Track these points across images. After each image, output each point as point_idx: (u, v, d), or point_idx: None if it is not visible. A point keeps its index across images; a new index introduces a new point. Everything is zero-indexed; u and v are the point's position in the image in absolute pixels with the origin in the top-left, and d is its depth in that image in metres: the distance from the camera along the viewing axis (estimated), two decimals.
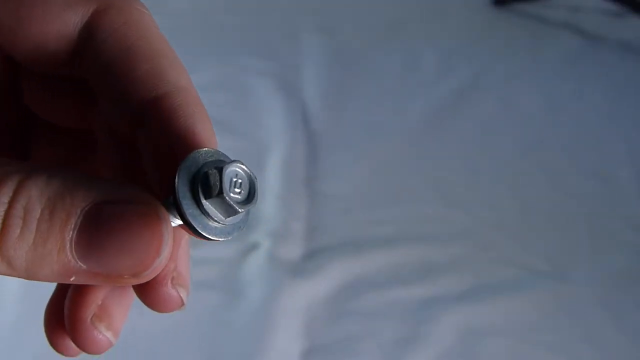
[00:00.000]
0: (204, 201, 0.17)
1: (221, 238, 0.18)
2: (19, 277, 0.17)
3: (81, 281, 0.17)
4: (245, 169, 0.18)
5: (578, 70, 0.81)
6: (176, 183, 0.17)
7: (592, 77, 0.80)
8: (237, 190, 0.18)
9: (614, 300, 0.56)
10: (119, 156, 0.21)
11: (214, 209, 0.17)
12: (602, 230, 0.62)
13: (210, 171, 0.17)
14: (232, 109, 0.73)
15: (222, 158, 0.18)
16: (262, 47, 0.83)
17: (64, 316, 0.21)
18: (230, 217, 0.17)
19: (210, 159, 0.18)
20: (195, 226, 0.17)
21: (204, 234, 0.17)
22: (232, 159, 0.18)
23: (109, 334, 0.20)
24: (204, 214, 0.17)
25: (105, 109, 0.20)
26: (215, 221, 0.17)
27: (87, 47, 0.20)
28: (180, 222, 0.18)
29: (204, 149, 0.18)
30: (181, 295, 0.20)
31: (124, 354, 0.50)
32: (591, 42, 0.85)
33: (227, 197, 0.17)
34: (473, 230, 0.62)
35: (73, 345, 0.21)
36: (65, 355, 0.22)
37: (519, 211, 0.64)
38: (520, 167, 0.68)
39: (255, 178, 0.18)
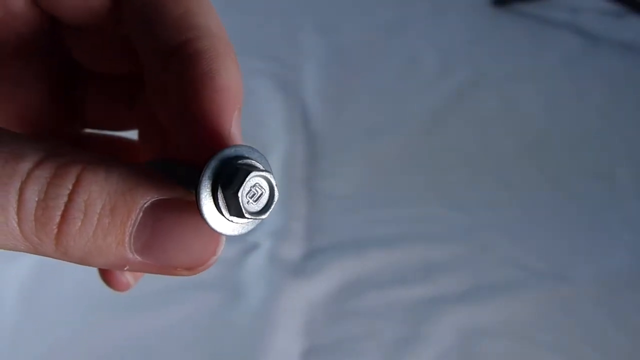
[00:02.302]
0: (219, 193, 0.17)
1: (225, 232, 0.18)
2: (70, 262, 0.17)
3: (134, 270, 0.17)
4: (272, 182, 0.18)
5: (578, 70, 0.81)
6: (203, 172, 0.17)
7: (592, 77, 0.80)
8: (254, 198, 0.18)
9: (614, 300, 0.56)
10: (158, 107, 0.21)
11: (226, 204, 0.17)
12: (602, 230, 0.62)
13: (240, 167, 0.17)
14: None
15: (257, 161, 0.18)
16: (262, 47, 0.83)
17: None
18: (239, 218, 0.18)
19: (246, 158, 0.18)
20: (203, 210, 0.17)
21: (208, 220, 0.17)
22: (265, 168, 0.18)
23: (131, 279, 0.23)
24: (215, 205, 0.17)
25: (141, 55, 0.20)
26: (224, 216, 0.18)
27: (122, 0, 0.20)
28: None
29: (245, 146, 0.18)
30: (130, 281, 0.23)
31: (124, 354, 0.50)
32: (591, 42, 0.85)
33: (240, 199, 0.17)
34: (473, 230, 0.62)
35: (123, 280, 0.23)
36: (117, 290, 0.24)
37: (519, 211, 0.64)
38: (520, 167, 0.68)
39: (277, 194, 0.18)
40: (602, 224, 0.63)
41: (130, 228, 0.17)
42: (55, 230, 0.16)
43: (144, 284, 0.54)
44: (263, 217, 0.19)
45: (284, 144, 0.69)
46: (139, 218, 0.17)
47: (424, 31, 0.87)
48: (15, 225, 0.16)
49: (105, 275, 0.23)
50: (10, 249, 0.17)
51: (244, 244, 0.59)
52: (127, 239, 0.17)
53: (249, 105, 0.82)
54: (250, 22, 0.87)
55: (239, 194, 0.17)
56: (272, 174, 0.18)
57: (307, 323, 0.53)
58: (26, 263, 0.55)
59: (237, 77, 0.19)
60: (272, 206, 0.19)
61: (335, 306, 0.55)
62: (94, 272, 0.25)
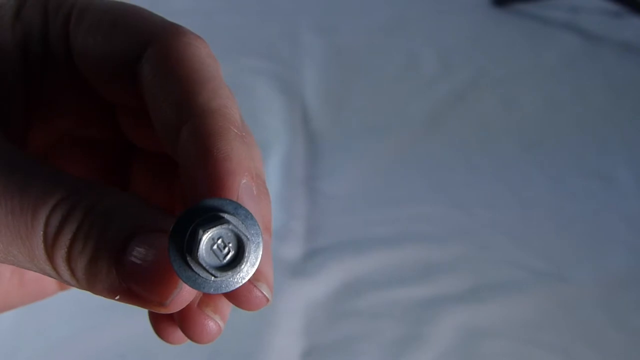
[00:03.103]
0: (187, 257, 0.17)
1: (208, 291, 0.18)
2: (82, 288, 0.20)
3: (124, 301, 0.19)
4: (237, 229, 0.17)
5: (578, 70, 0.81)
6: (170, 235, 0.17)
7: (592, 77, 0.80)
8: (220, 252, 0.17)
9: (614, 300, 0.56)
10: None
11: (196, 266, 0.17)
12: (602, 230, 0.62)
13: (198, 229, 0.17)
14: None
15: (223, 213, 0.17)
16: (262, 47, 0.82)
17: None
18: (218, 274, 0.17)
19: (209, 214, 0.17)
20: (181, 277, 0.17)
21: (187, 284, 0.18)
22: (233, 214, 0.17)
23: (217, 318, 0.22)
24: (189, 268, 0.17)
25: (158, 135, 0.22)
26: (201, 276, 0.17)
27: (141, 80, 0.21)
28: None
29: (216, 199, 0.18)
30: (219, 323, 0.23)
31: (124, 354, 0.50)
32: (591, 42, 0.85)
33: (200, 261, 0.17)
34: (473, 230, 0.62)
35: (179, 332, 0.23)
36: (172, 343, 0.24)
37: (519, 211, 0.64)
38: (520, 167, 0.68)
39: (248, 239, 0.17)
40: (602, 224, 0.63)
41: (118, 255, 0.19)
42: (65, 255, 0.19)
43: None
44: (238, 268, 0.17)
45: (284, 144, 0.69)
46: (126, 247, 0.19)
47: (424, 31, 0.87)
48: (42, 251, 0.19)
49: (158, 328, 0.24)
50: (43, 273, 0.20)
51: None
52: (114, 266, 0.19)
53: (249, 105, 0.82)
54: (251, 22, 0.87)
55: (198, 255, 0.17)
56: (239, 222, 0.17)
57: (307, 323, 0.53)
58: None
59: (245, 155, 0.20)
60: (246, 253, 0.18)
61: (335, 306, 0.55)
62: None
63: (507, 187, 0.66)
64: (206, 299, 0.21)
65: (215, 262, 0.17)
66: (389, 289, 0.56)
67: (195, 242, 0.17)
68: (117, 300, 0.19)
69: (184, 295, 0.19)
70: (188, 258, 0.17)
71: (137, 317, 0.53)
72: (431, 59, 0.82)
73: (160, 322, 0.24)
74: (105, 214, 0.19)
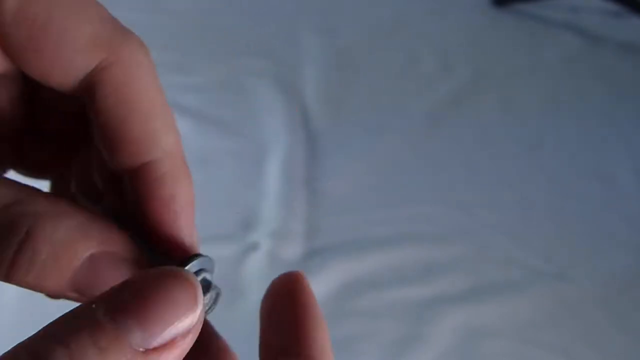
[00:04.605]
0: None
1: None
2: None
3: (70, 300, 0.20)
4: (209, 280, 0.22)
5: (578, 70, 0.81)
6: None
7: (592, 77, 0.80)
8: None
9: (614, 300, 0.56)
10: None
11: None
12: (602, 230, 0.62)
13: None
14: (232, 109, 0.73)
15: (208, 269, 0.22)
16: (262, 47, 0.82)
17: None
18: None
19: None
20: None
21: None
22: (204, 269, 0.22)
23: None
24: None
25: (100, 156, 0.22)
26: None
27: (90, 102, 0.21)
28: None
29: (198, 257, 0.22)
30: None
31: None
32: (591, 42, 0.85)
33: None
34: (473, 230, 0.62)
35: None
36: None
37: (519, 211, 0.64)
38: (520, 167, 0.68)
39: (219, 293, 0.22)
40: (602, 224, 0.63)
41: (70, 273, 0.19)
42: (6, 272, 0.19)
43: None
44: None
45: (284, 144, 0.69)
46: (77, 267, 0.19)
47: (424, 31, 0.87)
48: None
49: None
50: None
51: (244, 244, 0.59)
52: (64, 283, 0.19)
53: (249, 105, 0.83)
54: (251, 22, 0.87)
55: None
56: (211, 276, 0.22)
57: None
58: None
59: (191, 194, 0.23)
60: (213, 304, 0.22)
61: (336, 306, 0.55)
62: None
63: (507, 187, 0.66)
64: None
65: None
66: (389, 289, 0.56)
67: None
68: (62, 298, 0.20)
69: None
70: None
71: None
72: (431, 59, 0.82)
73: None
74: (60, 235, 0.20)
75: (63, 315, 0.18)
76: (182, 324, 0.18)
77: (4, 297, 0.53)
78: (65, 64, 0.21)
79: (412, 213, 0.63)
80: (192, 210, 0.22)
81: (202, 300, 0.18)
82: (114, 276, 0.20)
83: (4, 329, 0.51)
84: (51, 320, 0.19)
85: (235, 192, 0.64)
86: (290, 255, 0.58)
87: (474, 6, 0.91)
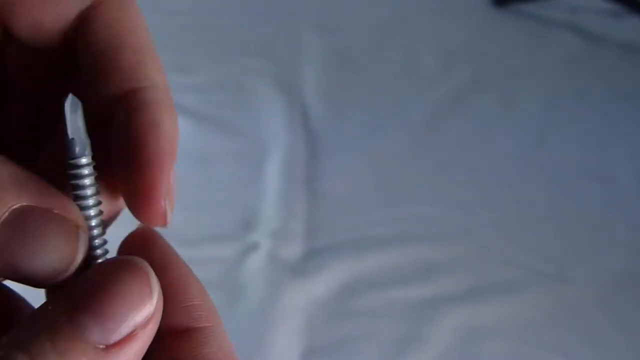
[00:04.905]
0: None
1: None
2: None
3: None
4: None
5: (578, 70, 0.81)
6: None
7: (592, 77, 0.80)
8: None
9: (614, 300, 0.56)
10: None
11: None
12: (602, 230, 0.62)
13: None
14: (232, 109, 0.73)
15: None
16: (262, 47, 0.83)
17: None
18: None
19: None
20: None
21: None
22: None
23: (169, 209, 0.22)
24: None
25: (84, 91, 0.21)
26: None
27: (80, 37, 0.21)
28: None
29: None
30: (167, 209, 0.21)
31: None
32: (591, 42, 0.85)
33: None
34: (473, 230, 0.62)
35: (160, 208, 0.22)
36: (158, 224, 0.23)
37: (519, 211, 0.64)
38: (520, 167, 0.68)
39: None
40: (602, 224, 0.63)
41: None
42: None
43: None
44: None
45: (284, 144, 0.69)
46: (3, 218, 0.17)
47: (424, 31, 0.87)
48: None
49: (140, 208, 0.22)
50: None
51: (244, 244, 0.59)
52: None
53: (249, 105, 0.83)
54: (251, 22, 0.87)
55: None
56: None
57: (307, 323, 0.53)
58: None
59: (176, 128, 0.21)
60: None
61: (335, 306, 0.55)
62: None
63: (507, 187, 0.66)
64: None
65: None
66: (389, 289, 0.56)
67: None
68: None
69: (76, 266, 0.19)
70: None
71: None
72: (431, 59, 0.82)
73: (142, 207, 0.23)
74: None
75: (26, 319, 0.17)
76: (139, 315, 0.17)
77: None
78: (58, 4, 0.21)
79: (412, 213, 0.63)
80: (174, 155, 0.20)
81: (157, 287, 0.18)
82: (44, 241, 0.18)
83: None
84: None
85: (235, 192, 0.64)
86: (290, 255, 0.58)
87: (474, 6, 0.91)
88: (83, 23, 0.21)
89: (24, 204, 0.18)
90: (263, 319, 0.52)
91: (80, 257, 0.19)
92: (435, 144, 0.71)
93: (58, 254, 0.18)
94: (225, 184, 0.65)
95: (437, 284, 0.56)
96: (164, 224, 0.21)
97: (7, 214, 0.17)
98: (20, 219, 0.18)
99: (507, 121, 0.74)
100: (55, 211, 0.18)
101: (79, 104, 0.19)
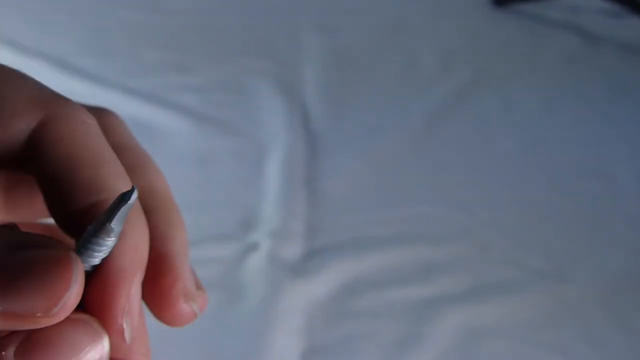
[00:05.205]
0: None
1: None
2: None
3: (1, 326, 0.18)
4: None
5: (578, 70, 0.81)
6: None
7: (592, 77, 0.80)
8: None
9: (614, 300, 0.56)
10: None
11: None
12: (602, 230, 0.62)
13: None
14: (232, 109, 0.73)
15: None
16: (262, 47, 0.83)
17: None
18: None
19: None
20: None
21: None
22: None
23: (194, 305, 0.23)
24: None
25: (51, 210, 0.22)
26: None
27: (34, 154, 0.21)
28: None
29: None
30: (194, 309, 0.23)
31: None
32: (591, 42, 0.85)
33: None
34: (473, 230, 0.62)
35: (186, 309, 0.23)
36: (180, 324, 0.24)
37: (519, 211, 0.64)
38: (520, 167, 0.68)
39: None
40: (602, 224, 0.63)
41: None
42: None
43: None
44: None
45: (284, 144, 0.69)
46: None
47: (424, 31, 0.87)
48: None
49: (162, 312, 0.22)
50: None
51: (244, 244, 0.59)
52: None
53: (249, 105, 0.83)
54: (251, 22, 0.87)
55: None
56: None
57: (307, 323, 0.53)
58: None
59: (144, 240, 0.21)
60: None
61: (335, 306, 0.55)
62: None
63: (507, 187, 0.66)
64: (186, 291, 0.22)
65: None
66: (389, 289, 0.56)
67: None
68: None
69: (75, 294, 0.18)
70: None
71: None
72: (431, 59, 0.82)
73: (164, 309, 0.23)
74: None
75: None
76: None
77: None
78: (5, 128, 0.21)
79: (412, 213, 0.63)
80: (136, 268, 0.20)
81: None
82: (36, 270, 0.18)
83: None
84: None
85: (235, 192, 0.64)
86: (290, 255, 0.58)
87: (474, 6, 0.91)
88: (37, 142, 0.21)
89: (9, 245, 0.18)
90: (263, 319, 0.52)
91: (76, 286, 0.18)
92: (435, 144, 0.71)
93: (53, 277, 0.18)
94: (225, 184, 0.65)
95: (437, 284, 0.56)
96: (122, 341, 0.20)
97: None
98: (9, 259, 0.18)
99: (507, 121, 0.74)
100: (41, 244, 0.18)
101: (134, 200, 0.19)
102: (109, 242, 0.19)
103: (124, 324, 0.19)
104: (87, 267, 0.19)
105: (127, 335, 0.20)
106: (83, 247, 0.19)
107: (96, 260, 0.19)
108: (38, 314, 0.17)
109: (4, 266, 0.17)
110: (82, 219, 0.20)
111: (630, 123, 0.74)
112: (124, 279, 0.20)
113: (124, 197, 0.19)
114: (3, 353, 0.17)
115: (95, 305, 0.19)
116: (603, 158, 0.70)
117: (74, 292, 0.18)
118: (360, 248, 0.59)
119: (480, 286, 0.56)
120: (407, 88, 0.78)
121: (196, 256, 0.58)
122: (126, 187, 0.21)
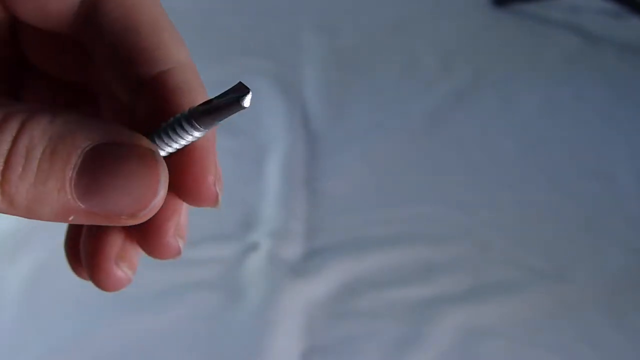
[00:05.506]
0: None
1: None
2: (20, 215, 0.17)
3: (80, 221, 0.17)
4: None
5: (578, 70, 0.81)
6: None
7: (592, 77, 0.80)
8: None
9: (614, 300, 0.56)
10: (114, 115, 0.22)
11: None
12: (602, 230, 0.62)
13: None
14: None
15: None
16: (262, 47, 0.83)
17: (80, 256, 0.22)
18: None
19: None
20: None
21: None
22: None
23: (130, 272, 0.22)
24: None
25: (107, 76, 0.21)
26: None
27: (90, 16, 0.20)
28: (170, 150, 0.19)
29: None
30: (179, 245, 0.21)
31: (124, 354, 0.50)
32: (591, 42, 0.85)
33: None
34: (473, 230, 0.62)
35: (118, 274, 0.22)
36: (113, 288, 0.23)
37: (519, 211, 0.64)
38: (520, 167, 0.68)
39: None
40: (602, 224, 0.63)
41: (71, 172, 0.16)
42: (0, 178, 0.16)
43: (145, 285, 0.54)
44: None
45: (285, 144, 0.69)
46: (79, 162, 0.17)
47: (424, 31, 0.87)
48: None
49: (97, 274, 0.22)
50: None
51: (244, 244, 0.59)
52: (67, 183, 0.17)
53: (249, 105, 0.82)
54: (251, 22, 0.87)
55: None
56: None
57: (307, 323, 0.53)
58: (26, 263, 0.55)
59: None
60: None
61: (335, 306, 0.55)
62: None
63: (507, 187, 0.66)
64: (122, 254, 0.21)
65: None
66: (389, 289, 0.56)
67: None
68: (71, 221, 0.17)
69: (161, 199, 0.17)
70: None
71: (137, 317, 0.53)
72: (431, 59, 0.82)
73: (79, 265, 0.23)
74: (57, 127, 0.16)
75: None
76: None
77: (5, 298, 0.53)
78: None
79: (412, 213, 0.63)
80: (213, 137, 0.20)
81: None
82: (124, 171, 0.17)
83: (4, 329, 0.51)
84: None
85: (235, 192, 0.64)
86: (290, 255, 0.58)
87: (474, 6, 0.91)
88: (93, 5, 0.20)
89: (96, 143, 0.17)
90: (263, 319, 0.52)
91: (162, 190, 0.18)
92: (435, 144, 0.71)
93: (141, 181, 0.17)
94: (225, 184, 0.65)
95: (437, 284, 0.56)
96: (215, 204, 0.20)
97: (81, 157, 0.17)
98: (96, 159, 0.17)
99: (507, 121, 0.74)
100: (126, 142, 0.17)
101: (247, 98, 0.18)
102: (198, 134, 0.18)
103: (218, 190, 0.20)
104: (164, 153, 0.19)
105: (220, 199, 0.20)
106: (165, 133, 0.18)
107: (175, 146, 0.18)
108: (123, 217, 0.17)
109: (89, 163, 0.17)
110: (145, 89, 0.19)
111: (630, 123, 0.74)
112: (210, 150, 0.19)
113: (239, 99, 0.18)
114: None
115: (184, 177, 0.19)
116: (603, 158, 0.70)
117: (160, 196, 0.17)
118: (360, 248, 0.59)
119: (480, 286, 0.57)
120: (407, 88, 0.78)
121: (196, 256, 0.58)
122: (187, 58, 0.20)
